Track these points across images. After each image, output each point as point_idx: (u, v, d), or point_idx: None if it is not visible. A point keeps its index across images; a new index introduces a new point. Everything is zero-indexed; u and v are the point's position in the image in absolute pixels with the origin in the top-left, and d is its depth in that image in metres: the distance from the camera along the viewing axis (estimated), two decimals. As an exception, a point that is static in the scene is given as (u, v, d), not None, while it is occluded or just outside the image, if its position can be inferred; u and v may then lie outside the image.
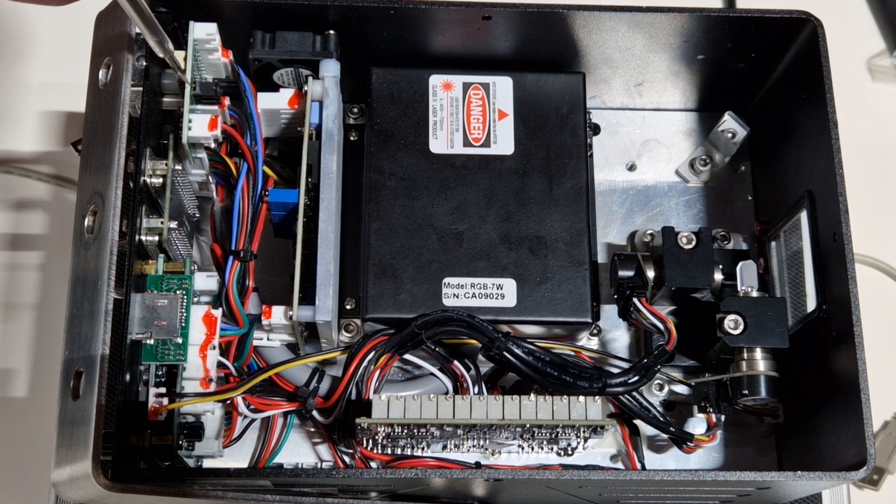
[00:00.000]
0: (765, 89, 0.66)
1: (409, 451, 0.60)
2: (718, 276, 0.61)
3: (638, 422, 0.61)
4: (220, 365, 0.58)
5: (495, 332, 0.56)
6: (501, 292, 0.58)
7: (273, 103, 0.60)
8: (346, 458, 0.61)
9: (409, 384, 0.61)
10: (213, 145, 0.58)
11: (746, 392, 0.58)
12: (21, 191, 0.75)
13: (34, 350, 0.71)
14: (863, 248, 0.76)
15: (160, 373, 0.55)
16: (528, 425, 0.54)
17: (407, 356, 0.59)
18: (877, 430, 0.73)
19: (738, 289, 0.60)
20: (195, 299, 0.57)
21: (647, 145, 0.70)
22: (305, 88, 0.59)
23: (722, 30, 0.61)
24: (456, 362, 0.59)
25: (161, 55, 0.51)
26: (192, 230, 0.63)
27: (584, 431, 0.56)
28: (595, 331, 0.64)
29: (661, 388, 0.63)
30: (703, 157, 0.69)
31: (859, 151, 0.78)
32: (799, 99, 0.62)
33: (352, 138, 0.63)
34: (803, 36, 0.60)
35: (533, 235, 0.59)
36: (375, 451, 0.59)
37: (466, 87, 0.62)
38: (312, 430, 0.63)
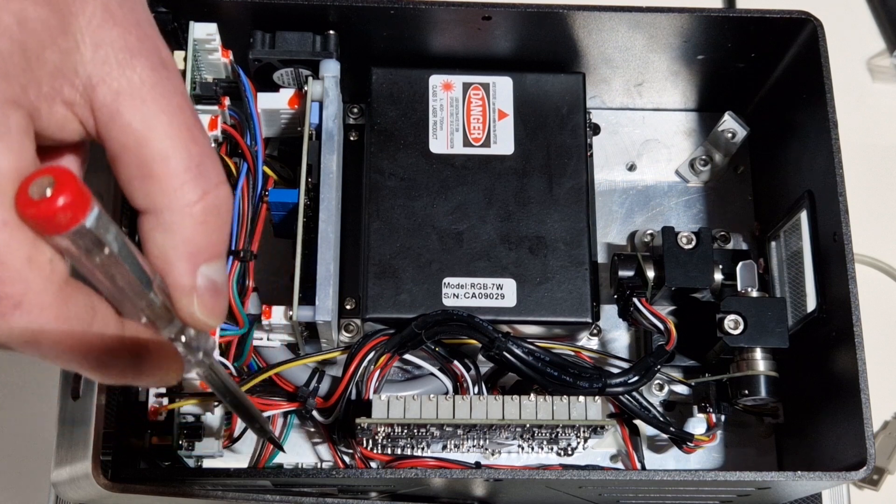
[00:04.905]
0: (765, 89, 0.66)
1: (409, 451, 0.60)
2: (718, 276, 0.61)
3: (638, 422, 0.61)
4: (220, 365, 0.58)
5: (495, 332, 0.56)
6: (501, 292, 0.58)
7: (273, 103, 0.60)
8: (346, 458, 0.61)
9: (409, 384, 0.61)
10: (212, 145, 0.58)
11: (746, 392, 0.58)
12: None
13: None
14: (863, 248, 0.76)
15: (160, 373, 0.55)
16: (528, 425, 0.54)
17: (407, 356, 0.59)
18: (877, 430, 0.73)
19: (738, 289, 0.60)
20: (195, 299, 0.57)
21: (647, 145, 0.70)
22: (305, 88, 0.59)
23: (722, 30, 0.61)
24: (456, 362, 0.59)
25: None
26: (192, 230, 0.63)
27: (584, 431, 0.56)
28: (595, 331, 0.64)
29: (661, 388, 0.63)
30: (703, 157, 0.69)
31: (859, 151, 0.78)
32: (799, 99, 0.62)
33: (352, 138, 0.63)
34: (803, 36, 0.60)
35: (533, 235, 0.59)
36: (375, 451, 0.59)
37: (466, 87, 0.62)
38: (312, 430, 0.63)
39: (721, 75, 0.66)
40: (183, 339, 0.33)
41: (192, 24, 0.56)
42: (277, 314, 0.56)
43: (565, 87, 0.62)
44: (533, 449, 0.61)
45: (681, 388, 0.63)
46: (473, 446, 0.60)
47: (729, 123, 0.67)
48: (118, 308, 0.32)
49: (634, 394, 0.59)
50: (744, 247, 0.67)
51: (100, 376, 0.33)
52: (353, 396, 0.57)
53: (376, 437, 0.56)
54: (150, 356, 0.34)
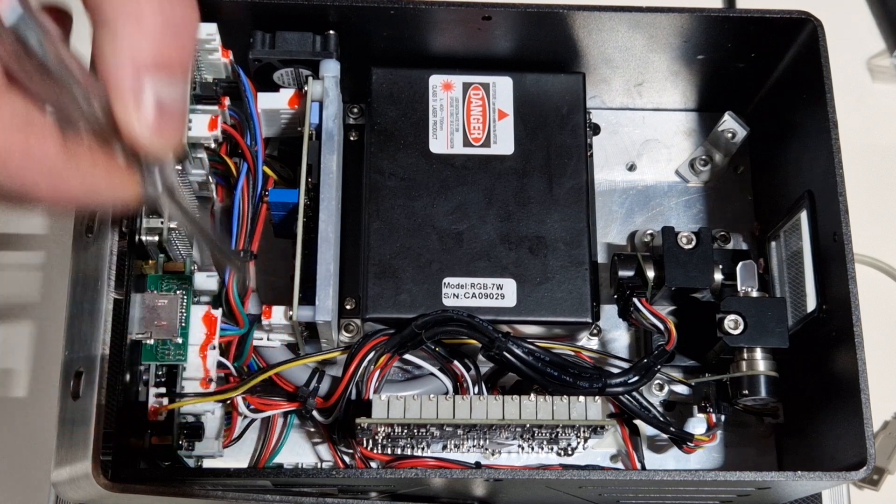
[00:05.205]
0: (765, 89, 0.66)
1: (409, 451, 0.60)
2: (718, 276, 0.61)
3: (638, 422, 0.61)
4: (220, 365, 0.58)
5: (495, 332, 0.56)
6: (501, 292, 0.58)
7: (273, 103, 0.60)
8: (346, 458, 0.61)
9: (409, 384, 0.61)
10: (213, 145, 0.58)
11: (746, 392, 0.58)
12: (21, 190, 0.75)
13: (34, 350, 0.71)
14: (863, 248, 0.76)
15: (160, 373, 0.55)
16: (528, 425, 0.54)
17: (407, 356, 0.59)
18: (877, 430, 0.73)
19: (738, 289, 0.60)
20: (195, 299, 0.57)
21: (647, 145, 0.70)
22: (305, 88, 0.59)
23: (722, 30, 0.61)
24: (456, 362, 0.59)
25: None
26: (192, 230, 0.63)
27: (584, 431, 0.56)
28: (595, 331, 0.64)
29: (661, 388, 0.63)
30: (703, 157, 0.69)
31: (859, 151, 0.77)
32: (799, 99, 0.62)
33: (352, 138, 0.63)
34: (803, 36, 0.60)
35: (533, 235, 0.59)
36: (375, 451, 0.59)
37: (466, 87, 0.62)
38: (312, 430, 0.63)
39: (721, 75, 0.66)
40: (140, 161, 0.31)
41: (192, 24, 0.56)
42: (277, 314, 0.56)
43: (565, 87, 0.62)
44: (533, 449, 0.61)
45: (681, 388, 0.63)
46: (473, 446, 0.60)
47: (729, 123, 0.67)
48: (62, 121, 0.31)
49: (634, 394, 0.59)
50: (744, 247, 0.67)
51: (47, 196, 0.31)
52: (353, 396, 0.57)
53: (376, 437, 0.56)
54: (96, 170, 0.32)
